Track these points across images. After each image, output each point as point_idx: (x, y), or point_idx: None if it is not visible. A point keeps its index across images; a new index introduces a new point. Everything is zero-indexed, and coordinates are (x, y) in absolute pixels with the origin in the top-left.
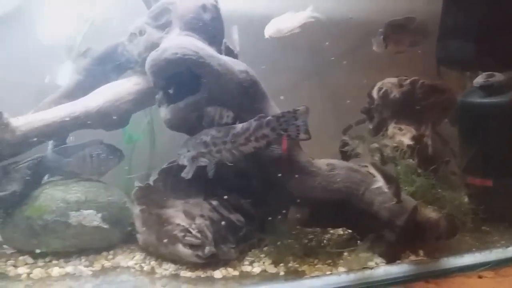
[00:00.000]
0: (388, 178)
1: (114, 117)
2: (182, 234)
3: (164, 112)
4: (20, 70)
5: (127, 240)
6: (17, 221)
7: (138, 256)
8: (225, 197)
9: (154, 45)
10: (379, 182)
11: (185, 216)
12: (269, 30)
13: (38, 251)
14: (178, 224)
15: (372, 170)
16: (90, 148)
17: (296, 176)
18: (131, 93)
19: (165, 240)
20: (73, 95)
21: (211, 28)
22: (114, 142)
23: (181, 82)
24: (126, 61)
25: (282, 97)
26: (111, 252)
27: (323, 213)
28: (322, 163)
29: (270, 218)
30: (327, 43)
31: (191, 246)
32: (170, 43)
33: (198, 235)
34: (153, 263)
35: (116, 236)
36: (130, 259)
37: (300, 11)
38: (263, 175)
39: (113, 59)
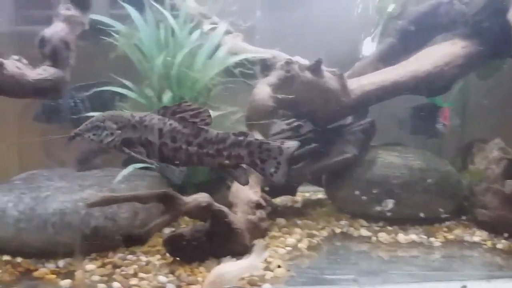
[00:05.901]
0: None
1: (442, 83)
2: None
3: None
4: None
5: (455, 213)
6: (354, 184)
7: (479, 232)
8: None
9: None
10: None
11: None
12: None
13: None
14: None
15: None
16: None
17: None
18: (460, 57)
19: None
20: (387, 58)
21: None
22: None
23: None
24: (449, 22)
25: None
26: (443, 224)
27: None
28: None
29: None
30: None
31: None
32: None
33: None
34: (503, 241)
35: (449, 208)
36: (472, 234)
37: None
38: None
39: (433, 21)
